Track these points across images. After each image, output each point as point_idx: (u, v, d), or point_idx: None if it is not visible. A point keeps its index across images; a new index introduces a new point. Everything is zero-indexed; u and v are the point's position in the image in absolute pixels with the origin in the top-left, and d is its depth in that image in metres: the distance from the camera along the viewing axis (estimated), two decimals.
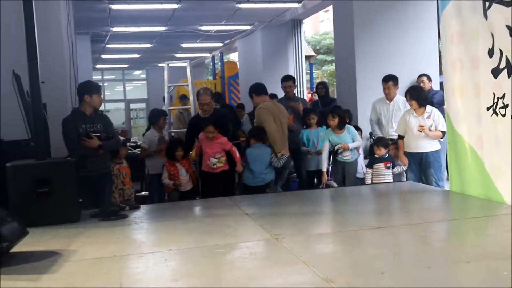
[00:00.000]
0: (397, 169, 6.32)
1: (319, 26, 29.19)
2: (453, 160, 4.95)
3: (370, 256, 3.15)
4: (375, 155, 6.41)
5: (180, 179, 6.10)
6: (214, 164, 5.89)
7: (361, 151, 6.98)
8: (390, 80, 7.07)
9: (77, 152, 4.88)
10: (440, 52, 7.64)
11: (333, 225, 4.32)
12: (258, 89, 6.58)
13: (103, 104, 24.51)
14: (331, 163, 6.55)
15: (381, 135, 6.98)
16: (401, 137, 6.28)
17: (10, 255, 3.30)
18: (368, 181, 6.31)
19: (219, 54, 16.68)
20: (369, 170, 6.39)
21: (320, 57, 25.15)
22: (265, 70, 13.30)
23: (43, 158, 4.51)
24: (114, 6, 10.28)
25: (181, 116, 10.55)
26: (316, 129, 7.00)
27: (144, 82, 25.72)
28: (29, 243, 3.57)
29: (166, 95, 9.43)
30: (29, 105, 4.59)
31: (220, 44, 16.85)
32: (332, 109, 6.91)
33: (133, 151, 9.16)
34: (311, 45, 23.32)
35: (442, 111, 5.59)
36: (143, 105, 25.14)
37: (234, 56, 20.90)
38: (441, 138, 6.07)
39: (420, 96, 6.16)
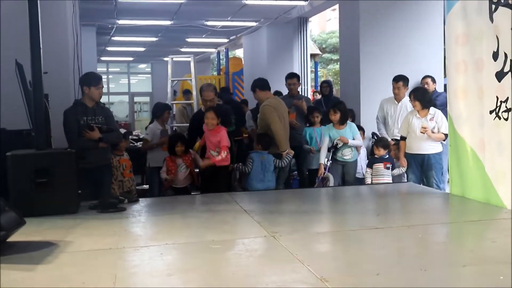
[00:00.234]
0: (396, 171, 6.30)
1: (326, 24, 29.11)
2: (454, 162, 4.92)
3: (366, 256, 3.14)
4: (375, 155, 6.40)
5: (174, 175, 6.02)
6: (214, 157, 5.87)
7: (362, 151, 6.95)
8: (400, 80, 7.04)
9: (77, 144, 4.86)
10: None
11: (331, 225, 4.31)
12: (262, 84, 6.53)
13: (107, 96, 24.44)
14: (330, 159, 6.52)
15: (385, 135, 6.96)
16: (403, 138, 6.26)
17: (7, 245, 3.31)
18: (368, 180, 6.30)
19: (224, 50, 16.66)
20: (369, 170, 6.38)
21: (326, 55, 25.11)
22: (270, 67, 13.25)
23: (44, 148, 4.50)
24: None
25: (184, 110, 10.56)
26: (320, 127, 6.97)
27: (149, 75, 25.74)
28: (26, 233, 3.57)
29: (169, 89, 9.44)
30: (31, 95, 4.58)
31: (225, 40, 16.81)
32: (334, 104, 6.87)
33: (135, 144, 9.17)
34: (317, 43, 23.30)
35: (445, 113, 5.56)
36: (147, 99, 25.17)
37: (240, 52, 20.85)
38: (444, 140, 6.05)
39: (424, 97, 6.14)
